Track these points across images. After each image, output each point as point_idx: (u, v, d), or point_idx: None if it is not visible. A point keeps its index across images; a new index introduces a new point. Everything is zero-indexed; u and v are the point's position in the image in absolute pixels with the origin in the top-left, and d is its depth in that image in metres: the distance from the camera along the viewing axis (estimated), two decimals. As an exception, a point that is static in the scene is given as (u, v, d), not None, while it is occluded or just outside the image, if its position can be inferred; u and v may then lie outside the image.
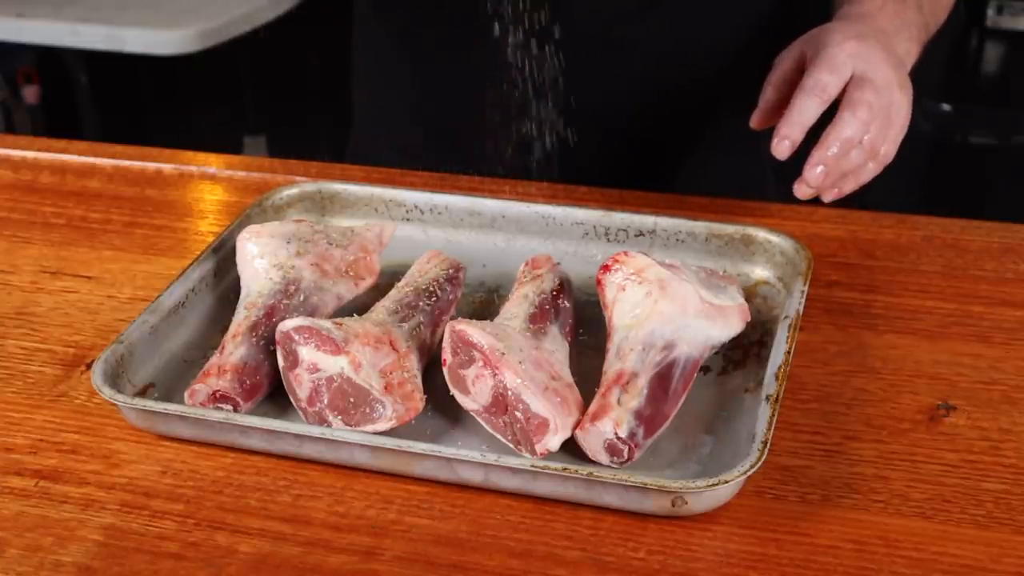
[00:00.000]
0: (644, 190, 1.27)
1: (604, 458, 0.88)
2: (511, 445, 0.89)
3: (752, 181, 1.44)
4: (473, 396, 0.91)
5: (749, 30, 1.34)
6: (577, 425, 0.88)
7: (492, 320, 0.96)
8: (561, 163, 1.30)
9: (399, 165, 1.36)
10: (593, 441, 0.88)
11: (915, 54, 1.17)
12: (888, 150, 1.06)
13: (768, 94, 1.11)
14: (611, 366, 0.93)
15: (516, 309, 0.98)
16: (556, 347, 0.95)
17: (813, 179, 1.04)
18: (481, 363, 0.89)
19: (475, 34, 1.24)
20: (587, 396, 0.92)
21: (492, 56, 1.25)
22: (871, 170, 1.07)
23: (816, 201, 1.10)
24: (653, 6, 1.28)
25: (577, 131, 1.27)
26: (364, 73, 1.52)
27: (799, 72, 1.08)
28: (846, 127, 1.03)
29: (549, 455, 0.87)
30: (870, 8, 1.15)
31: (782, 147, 1.03)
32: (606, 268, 1.00)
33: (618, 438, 0.87)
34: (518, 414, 0.88)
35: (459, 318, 0.94)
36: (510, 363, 0.89)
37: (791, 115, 1.03)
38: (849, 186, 1.07)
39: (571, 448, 0.89)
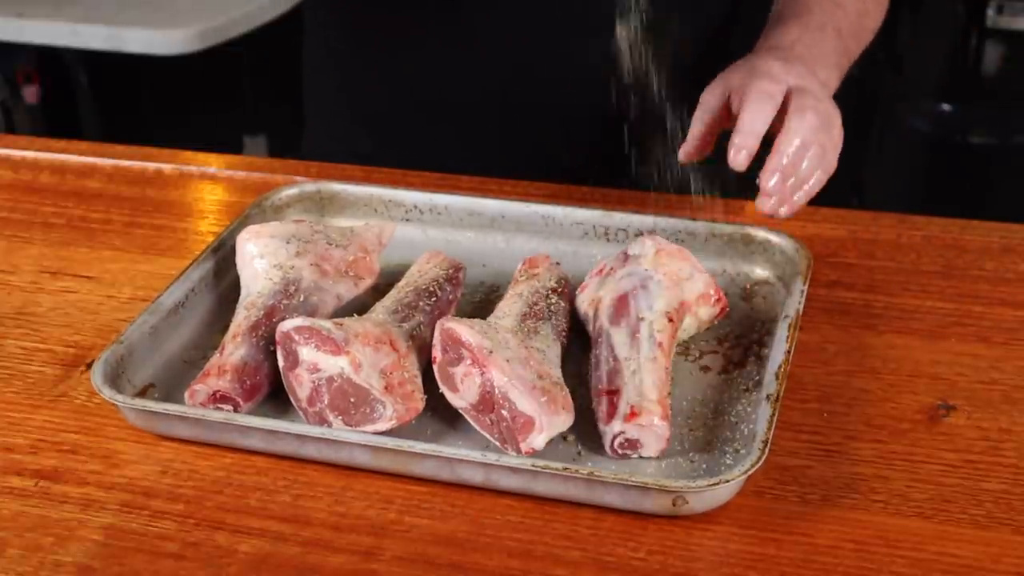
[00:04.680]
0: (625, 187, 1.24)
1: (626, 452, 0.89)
2: (497, 443, 0.89)
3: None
4: (461, 394, 0.91)
5: (706, 39, 1.32)
6: (563, 423, 0.89)
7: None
8: (527, 160, 1.28)
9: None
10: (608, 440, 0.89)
11: (835, 81, 1.16)
12: (831, 158, 1.04)
13: (696, 127, 1.09)
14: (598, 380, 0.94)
15: (509, 308, 0.98)
16: (546, 346, 0.95)
17: (770, 187, 1.01)
18: (469, 361, 0.89)
19: (438, 24, 1.21)
20: (584, 396, 0.92)
21: (457, 51, 1.21)
22: (819, 179, 1.04)
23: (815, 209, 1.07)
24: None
25: (551, 125, 1.24)
26: (310, 70, 1.47)
27: (726, 107, 1.07)
28: (796, 133, 1.01)
29: (548, 455, 0.87)
30: (785, 41, 1.15)
31: (739, 158, 1.01)
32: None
33: (626, 439, 0.88)
34: (504, 412, 0.88)
35: (451, 316, 0.94)
36: (497, 361, 0.88)
37: (742, 125, 1.01)
38: (802, 199, 1.04)
39: (571, 448, 0.89)
